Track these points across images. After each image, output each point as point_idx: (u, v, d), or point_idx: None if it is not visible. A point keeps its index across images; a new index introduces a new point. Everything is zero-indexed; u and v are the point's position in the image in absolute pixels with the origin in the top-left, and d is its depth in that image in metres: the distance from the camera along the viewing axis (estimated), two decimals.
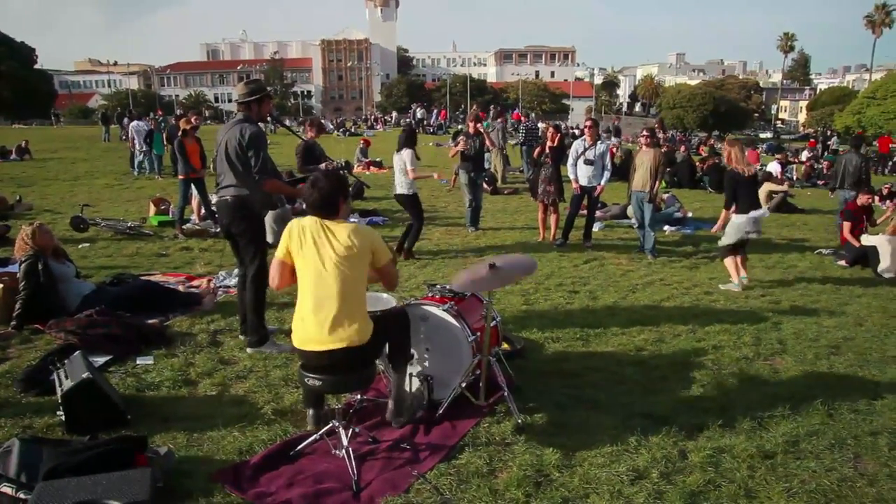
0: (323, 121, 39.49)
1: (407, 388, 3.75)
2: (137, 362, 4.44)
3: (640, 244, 8.42)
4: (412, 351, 3.70)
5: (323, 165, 7.87)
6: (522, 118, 32.71)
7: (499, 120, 17.13)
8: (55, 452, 2.94)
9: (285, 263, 3.20)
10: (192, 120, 9.51)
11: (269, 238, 8.41)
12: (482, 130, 10.03)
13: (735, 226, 6.59)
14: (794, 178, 18.75)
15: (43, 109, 55.21)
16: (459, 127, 35.64)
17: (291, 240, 3.16)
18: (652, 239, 8.20)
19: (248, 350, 4.66)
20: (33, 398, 3.88)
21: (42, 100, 56.37)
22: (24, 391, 3.93)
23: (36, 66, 58.84)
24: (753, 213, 6.57)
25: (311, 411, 3.45)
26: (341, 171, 7.43)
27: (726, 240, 6.69)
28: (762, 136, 59.30)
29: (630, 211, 9.24)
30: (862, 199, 8.71)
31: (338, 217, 3.20)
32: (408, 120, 37.98)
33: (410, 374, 3.76)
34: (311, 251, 3.09)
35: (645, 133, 8.50)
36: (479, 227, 9.71)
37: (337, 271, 3.05)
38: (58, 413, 3.50)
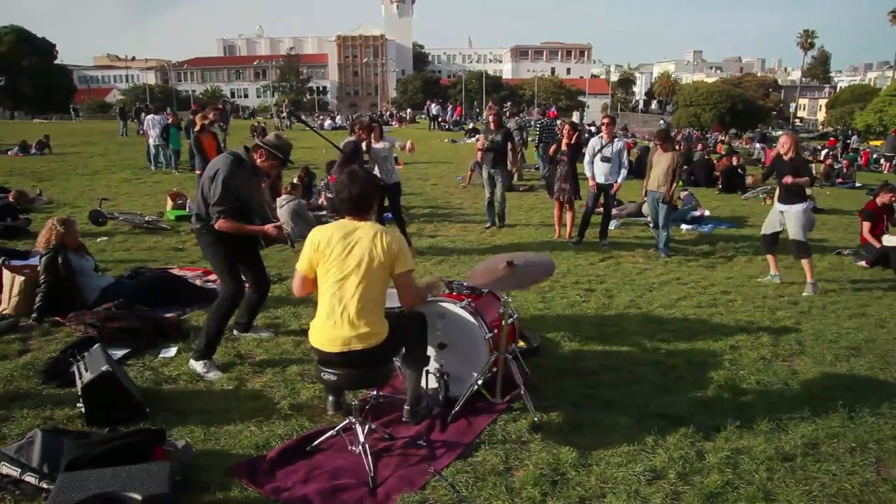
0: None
1: (423, 386, 3.76)
2: (160, 355, 4.48)
3: (656, 242, 8.37)
4: (428, 346, 3.71)
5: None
6: (539, 116, 32.54)
7: (515, 118, 16.98)
8: (76, 444, 2.98)
9: (307, 278, 3.22)
10: (210, 115, 9.49)
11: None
12: (504, 125, 9.83)
13: (807, 217, 6.60)
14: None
15: (62, 104, 55.89)
16: (472, 125, 35.54)
17: (316, 252, 3.15)
18: (664, 238, 8.14)
19: (192, 362, 4.29)
20: (54, 389, 3.94)
21: (61, 94, 57.11)
22: (45, 382, 4.00)
23: (56, 62, 59.50)
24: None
25: (331, 397, 3.51)
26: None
27: (804, 237, 6.61)
28: (777, 134, 58.56)
29: (646, 209, 9.16)
30: (883, 198, 8.55)
31: (368, 217, 3.22)
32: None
33: (427, 371, 3.76)
34: (337, 257, 3.09)
35: (657, 141, 8.41)
36: (498, 223, 9.52)
37: (359, 272, 3.06)
38: (78, 405, 3.55)
